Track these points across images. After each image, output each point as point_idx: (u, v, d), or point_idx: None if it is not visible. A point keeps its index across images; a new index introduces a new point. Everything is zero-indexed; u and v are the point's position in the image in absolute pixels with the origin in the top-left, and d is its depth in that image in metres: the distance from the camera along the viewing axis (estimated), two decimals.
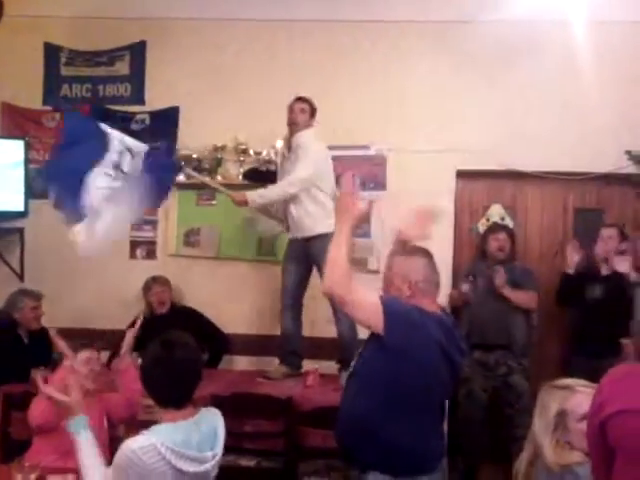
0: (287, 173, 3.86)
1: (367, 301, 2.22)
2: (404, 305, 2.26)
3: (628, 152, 4.29)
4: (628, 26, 4.30)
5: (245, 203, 3.80)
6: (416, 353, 2.22)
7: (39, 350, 3.93)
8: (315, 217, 3.81)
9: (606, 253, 4.01)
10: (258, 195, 3.82)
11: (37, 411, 2.72)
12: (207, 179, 4.20)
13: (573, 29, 4.19)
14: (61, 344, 2.90)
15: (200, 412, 2.12)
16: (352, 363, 2.41)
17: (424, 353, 2.24)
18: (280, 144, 4.40)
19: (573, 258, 4.07)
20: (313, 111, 3.92)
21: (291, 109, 3.89)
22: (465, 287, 4.11)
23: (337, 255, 2.22)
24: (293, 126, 3.88)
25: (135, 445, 1.92)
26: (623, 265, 3.84)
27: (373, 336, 2.26)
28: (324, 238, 3.67)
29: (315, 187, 3.83)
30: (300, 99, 3.91)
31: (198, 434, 2.04)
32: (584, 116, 4.32)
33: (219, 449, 2.10)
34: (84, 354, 2.86)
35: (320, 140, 3.94)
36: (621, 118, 4.29)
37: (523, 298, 4.06)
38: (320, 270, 3.79)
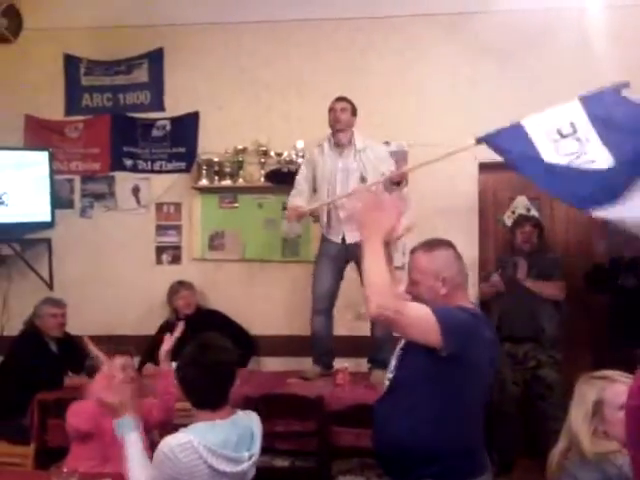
0: (348, 174, 3.79)
1: (421, 317, 2.03)
2: (455, 312, 2.10)
3: None
4: None
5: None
6: (474, 359, 2.09)
7: (69, 357, 3.99)
8: None
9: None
10: None
11: (80, 417, 2.74)
12: None
13: (588, 14, 4.13)
14: (94, 350, 2.92)
15: (236, 413, 2.13)
16: (388, 377, 2.21)
17: (481, 356, 2.12)
18: (301, 144, 4.40)
19: (600, 249, 4.01)
20: (354, 110, 3.90)
21: (332, 109, 3.86)
22: (495, 278, 4.09)
23: (378, 275, 2.02)
24: (337, 124, 3.84)
25: (173, 442, 1.95)
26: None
27: (417, 349, 2.07)
28: None
29: None
30: (340, 99, 3.89)
31: (235, 435, 2.05)
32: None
33: (256, 450, 2.11)
34: (119, 360, 2.88)
35: None
36: None
37: (548, 289, 4.02)
38: (361, 269, 3.78)
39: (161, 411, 2.77)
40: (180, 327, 2.90)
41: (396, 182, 3.71)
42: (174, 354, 2.66)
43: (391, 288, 2.03)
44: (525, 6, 4.17)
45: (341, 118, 3.83)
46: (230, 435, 2.04)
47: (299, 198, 3.93)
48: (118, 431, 2.08)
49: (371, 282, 2.02)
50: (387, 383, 2.21)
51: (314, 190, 3.96)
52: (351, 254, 3.79)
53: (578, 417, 2.09)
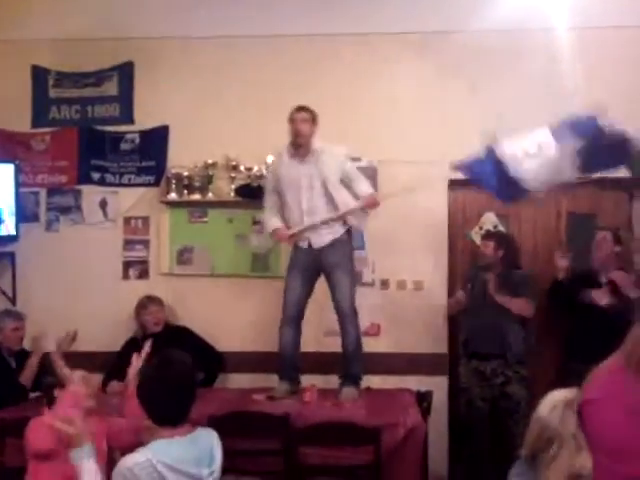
0: (312, 180, 3.79)
1: None
2: None
3: None
4: (610, 31, 4.32)
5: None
6: None
7: None
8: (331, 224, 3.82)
9: (602, 261, 4.03)
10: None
11: (40, 435, 2.68)
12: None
13: (555, 36, 4.21)
14: (62, 367, 2.88)
15: (196, 430, 2.11)
16: None
17: None
18: (271, 159, 4.39)
19: (561, 264, 4.09)
20: (314, 118, 3.85)
21: (292, 119, 3.81)
22: (460, 294, 4.12)
23: None
24: (298, 138, 3.80)
25: (131, 462, 1.93)
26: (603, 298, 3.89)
27: None
28: (336, 244, 3.81)
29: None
30: (300, 108, 3.84)
31: (196, 451, 2.05)
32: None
33: (216, 467, 2.10)
34: (78, 373, 2.84)
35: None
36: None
37: (517, 305, 4.04)
38: (329, 278, 3.79)
39: (131, 433, 2.71)
40: (147, 345, 2.87)
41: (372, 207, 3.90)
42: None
43: None
44: (493, 27, 4.23)
45: (302, 130, 3.79)
46: (189, 452, 2.02)
47: (275, 219, 3.93)
48: (75, 460, 2.06)
49: None
50: None
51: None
52: (319, 261, 3.82)
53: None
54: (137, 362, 2.84)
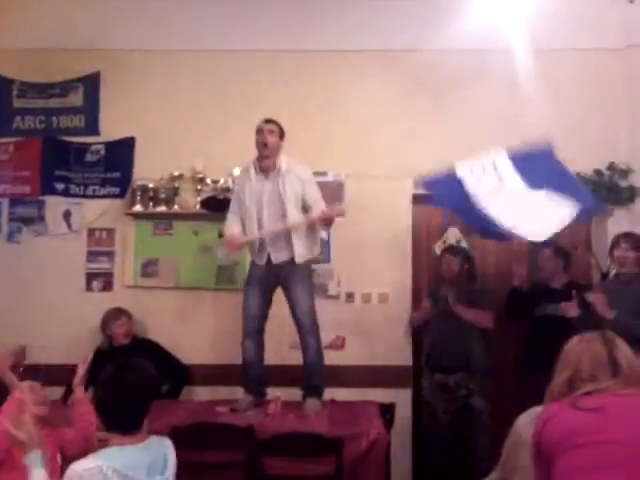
0: (274, 197, 3.75)
1: None
2: None
3: (577, 173, 4.41)
4: (570, 53, 4.48)
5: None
6: None
7: None
8: (297, 244, 3.78)
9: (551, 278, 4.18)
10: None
11: None
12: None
13: (517, 57, 4.35)
14: (9, 375, 2.84)
15: (150, 439, 2.11)
16: None
17: None
18: (238, 171, 4.41)
19: (519, 271, 4.21)
20: (282, 133, 3.86)
21: (260, 130, 3.81)
22: (425, 303, 4.17)
23: None
24: (264, 148, 3.79)
25: (80, 468, 1.92)
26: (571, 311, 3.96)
27: None
28: (298, 266, 3.78)
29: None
30: (268, 120, 3.84)
31: (147, 457, 2.03)
32: (531, 139, 4.44)
33: (168, 475, 2.08)
34: (26, 383, 2.79)
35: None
36: (568, 140, 4.41)
37: (477, 317, 4.10)
38: (288, 294, 3.79)
39: (80, 440, 2.67)
40: (88, 359, 2.86)
41: (327, 222, 3.81)
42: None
43: None
44: (457, 46, 4.34)
45: (268, 140, 3.78)
46: (141, 459, 2.02)
47: (235, 227, 3.88)
48: (28, 466, 2.04)
49: None
50: None
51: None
52: (277, 276, 3.82)
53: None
54: (82, 370, 2.84)
